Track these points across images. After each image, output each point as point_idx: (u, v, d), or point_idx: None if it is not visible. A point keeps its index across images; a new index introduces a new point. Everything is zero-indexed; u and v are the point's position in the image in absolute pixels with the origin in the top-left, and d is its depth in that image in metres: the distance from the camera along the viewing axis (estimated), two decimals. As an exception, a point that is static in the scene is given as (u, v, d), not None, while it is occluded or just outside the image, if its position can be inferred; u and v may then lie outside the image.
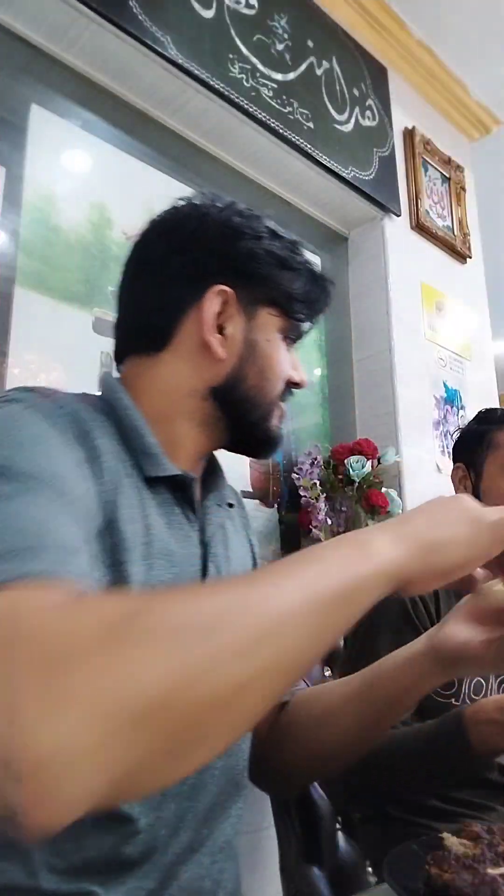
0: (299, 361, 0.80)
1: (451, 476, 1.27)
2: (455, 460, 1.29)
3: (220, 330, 0.73)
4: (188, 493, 0.71)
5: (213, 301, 0.73)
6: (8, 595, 0.40)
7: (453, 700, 1.12)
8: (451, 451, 1.39)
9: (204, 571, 0.70)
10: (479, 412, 1.40)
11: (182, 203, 0.78)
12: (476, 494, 1.22)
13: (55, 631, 0.37)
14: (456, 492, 1.25)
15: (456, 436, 1.39)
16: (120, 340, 0.80)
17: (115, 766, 0.35)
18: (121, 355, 0.80)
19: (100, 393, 0.74)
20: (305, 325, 0.80)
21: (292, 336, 0.78)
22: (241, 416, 0.75)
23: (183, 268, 0.75)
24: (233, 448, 0.79)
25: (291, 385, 0.78)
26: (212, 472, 0.80)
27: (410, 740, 0.93)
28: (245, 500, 1.92)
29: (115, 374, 0.78)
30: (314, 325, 0.84)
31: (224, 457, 0.80)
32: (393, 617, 1.11)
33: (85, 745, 0.34)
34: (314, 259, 0.81)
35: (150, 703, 0.36)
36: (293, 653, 0.43)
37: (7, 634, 0.37)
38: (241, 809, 0.72)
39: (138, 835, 0.59)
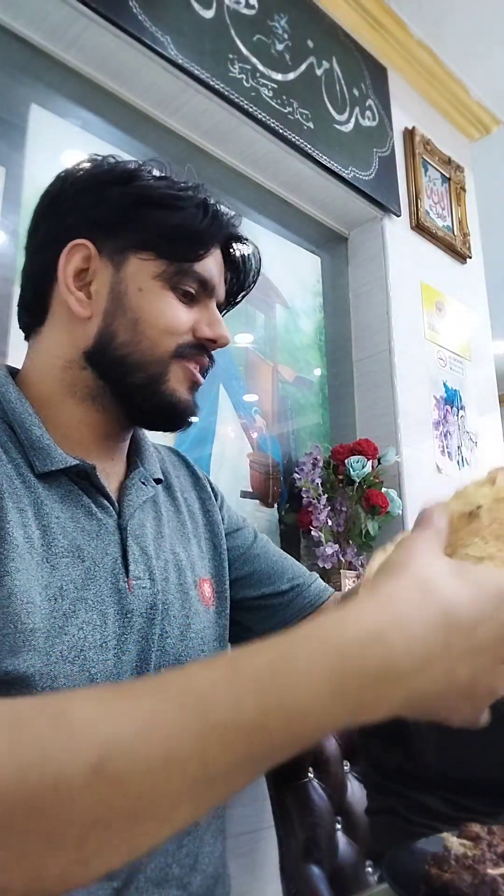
0: (216, 315, 0.70)
1: None
2: None
3: (89, 288, 0.67)
4: (92, 480, 0.66)
5: (70, 258, 0.67)
6: None
7: None
8: (450, 451, 1.38)
9: (125, 557, 0.65)
10: None
11: (61, 172, 0.72)
12: None
13: None
14: None
15: None
16: (18, 322, 0.75)
17: None
18: (26, 338, 0.75)
19: None
20: (205, 269, 0.68)
21: (185, 284, 0.67)
22: (120, 378, 0.67)
23: (47, 232, 0.70)
24: (135, 422, 0.71)
25: (204, 341, 0.68)
26: (136, 450, 0.75)
27: None
28: (245, 501, 1.92)
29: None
30: (249, 282, 0.72)
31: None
32: None
33: None
34: (222, 201, 0.71)
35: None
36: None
37: None
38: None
39: None
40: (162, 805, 0.31)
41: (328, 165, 2.07)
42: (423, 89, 2.63)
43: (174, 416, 0.70)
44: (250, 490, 1.91)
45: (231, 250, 0.73)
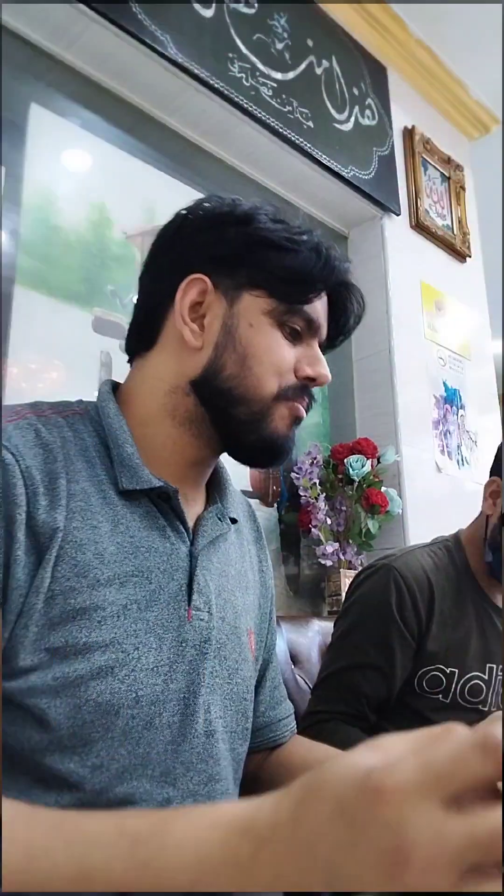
0: (319, 355, 0.72)
1: (484, 488, 1.23)
2: (492, 473, 1.24)
3: (202, 320, 0.70)
4: (172, 503, 0.68)
5: (187, 291, 0.69)
6: None
7: (440, 697, 1.11)
8: (449, 451, 1.37)
9: (189, 585, 0.67)
10: None
11: (182, 209, 0.75)
12: (502, 518, 1.18)
13: None
14: (483, 504, 1.22)
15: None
16: (126, 344, 0.78)
17: None
18: (130, 360, 0.78)
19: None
20: (313, 310, 0.70)
21: (293, 322, 0.70)
22: (223, 409, 0.69)
23: (167, 264, 0.73)
24: (231, 453, 0.74)
25: (305, 380, 0.70)
26: (216, 483, 0.77)
27: None
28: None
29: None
30: (350, 327, 0.75)
31: (223, 456, 0.77)
32: (380, 627, 1.09)
33: None
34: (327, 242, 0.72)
35: None
36: None
37: None
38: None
39: None
40: None
41: (328, 164, 2.07)
42: (423, 88, 2.63)
43: (272, 453, 0.71)
44: (250, 489, 1.91)
45: (338, 295, 0.76)
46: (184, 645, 0.65)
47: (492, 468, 1.24)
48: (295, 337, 0.71)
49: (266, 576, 0.85)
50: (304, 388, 0.71)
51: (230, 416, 0.69)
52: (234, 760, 0.70)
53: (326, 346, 0.77)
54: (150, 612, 0.63)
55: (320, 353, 0.72)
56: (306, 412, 0.73)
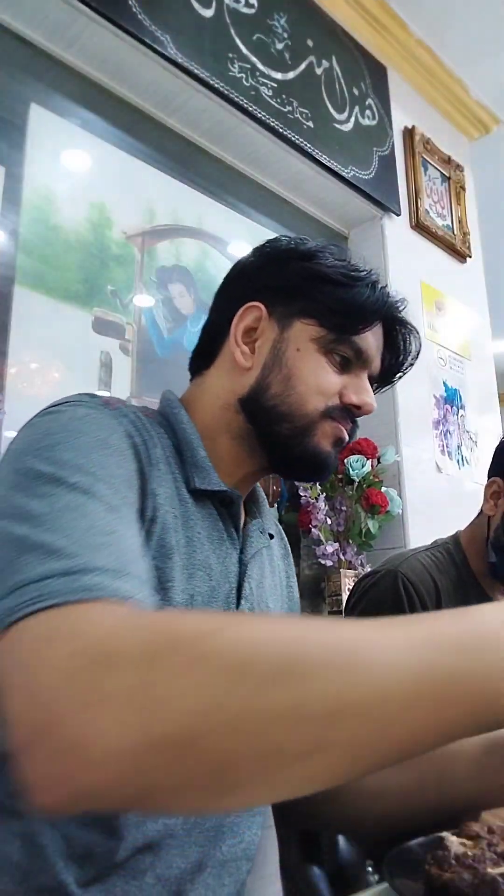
0: (366, 385, 0.75)
1: (485, 489, 1.23)
2: (491, 474, 1.24)
3: (255, 344, 0.75)
4: (233, 509, 0.72)
5: (244, 316, 0.75)
6: (86, 607, 0.43)
7: None
8: (450, 451, 1.37)
9: (239, 590, 0.71)
10: None
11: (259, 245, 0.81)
12: None
13: (123, 636, 0.40)
14: (484, 505, 1.22)
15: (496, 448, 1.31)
16: (189, 364, 0.83)
17: (139, 778, 0.37)
18: (192, 378, 0.83)
19: (157, 408, 0.77)
20: (362, 341, 0.73)
21: (340, 351, 0.73)
22: (268, 426, 0.73)
23: (231, 293, 0.78)
24: (276, 469, 0.77)
25: (349, 406, 0.73)
26: (255, 499, 0.82)
27: None
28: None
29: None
30: (406, 364, 0.79)
31: None
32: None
33: (118, 746, 0.36)
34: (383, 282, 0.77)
35: (190, 732, 0.36)
36: (384, 738, 0.37)
37: (87, 632, 0.41)
38: (255, 835, 0.70)
39: (147, 847, 0.59)
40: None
41: (328, 164, 2.07)
42: (423, 88, 2.63)
43: (315, 468, 0.75)
44: (250, 489, 1.91)
45: (393, 332, 0.79)
46: None
47: (490, 468, 1.24)
48: (345, 366, 0.74)
49: (293, 591, 0.89)
50: (347, 411, 0.74)
51: (275, 432, 0.73)
52: None
53: (382, 383, 0.80)
54: (210, 605, 0.67)
55: (368, 384, 0.76)
56: (350, 438, 0.76)
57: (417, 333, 0.81)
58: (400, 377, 0.83)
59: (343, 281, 0.73)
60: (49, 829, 0.57)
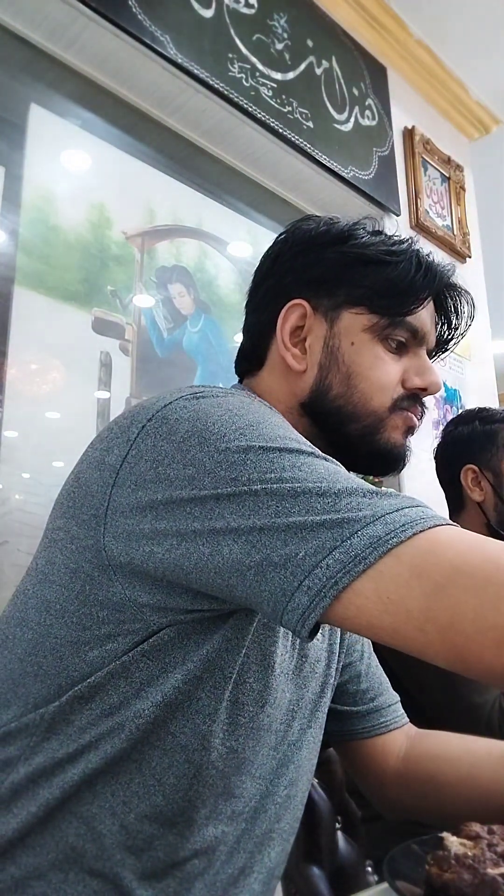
0: (427, 364, 0.72)
1: (462, 478, 1.23)
2: (460, 463, 1.24)
3: (304, 343, 0.71)
4: None
5: (287, 317, 0.71)
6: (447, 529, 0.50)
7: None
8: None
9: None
10: (475, 411, 1.35)
11: (280, 234, 0.76)
12: (498, 495, 1.19)
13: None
14: (470, 494, 1.22)
15: (449, 438, 1.33)
16: (235, 367, 0.81)
17: None
18: (240, 380, 0.80)
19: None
20: (416, 320, 0.70)
21: (396, 336, 0.70)
22: (337, 428, 0.70)
23: (267, 291, 0.74)
24: (351, 467, 0.74)
25: (416, 391, 0.70)
26: None
27: None
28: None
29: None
30: (462, 329, 0.75)
31: None
32: None
33: None
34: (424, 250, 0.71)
35: None
36: None
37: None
38: (287, 843, 0.70)
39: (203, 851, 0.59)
40: None
41: (328, 165, 2.07)
42: (423, 89, 2.63)
43: (389, 462, 0.72)
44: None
45: (444, 299, 0.75)
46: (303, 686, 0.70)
47: (454, 462, 1.24)
48: (400, 349, 0.71)
49: None
50: (415, 397, 0.71)
51: (344, 434, 0.70)
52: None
53: (438, 351, 0.77)
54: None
55: (428, 361, 0.73)
56: (419, 420, 0.73)
57: (469, 294, 0.76)
58: (456, 344, 0.79)
59: (386, 259, 0.68)
60: (110, 818, 0.55)
